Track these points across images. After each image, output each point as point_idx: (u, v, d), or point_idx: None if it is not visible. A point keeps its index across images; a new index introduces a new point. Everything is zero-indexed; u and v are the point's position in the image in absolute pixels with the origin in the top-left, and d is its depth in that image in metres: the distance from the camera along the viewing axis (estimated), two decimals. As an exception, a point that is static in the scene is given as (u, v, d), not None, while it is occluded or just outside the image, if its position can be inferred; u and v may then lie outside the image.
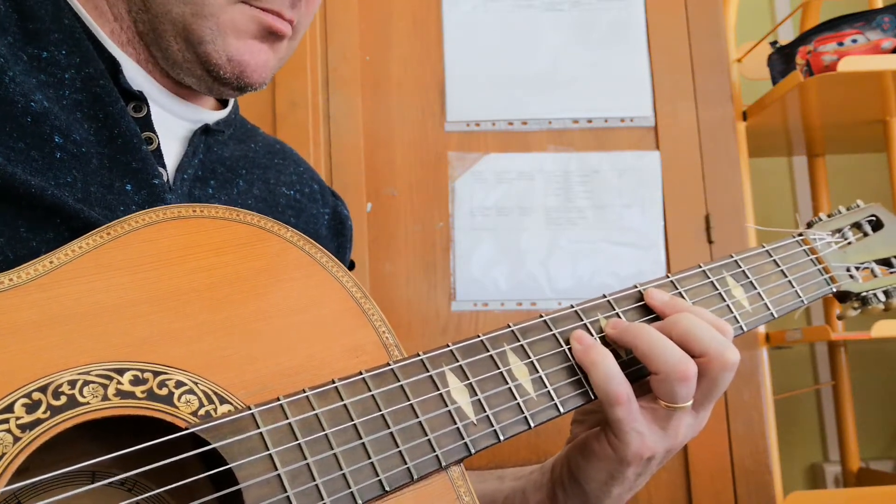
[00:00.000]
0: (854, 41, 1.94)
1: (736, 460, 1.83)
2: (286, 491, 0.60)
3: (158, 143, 0.85)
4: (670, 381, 0.76)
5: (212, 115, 0.94)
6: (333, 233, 1.07)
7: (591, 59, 2.02)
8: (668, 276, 0.88)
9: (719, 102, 1.99)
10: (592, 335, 0.80)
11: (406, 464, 0.65)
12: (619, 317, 0.83)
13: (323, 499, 0.61)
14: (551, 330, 0.79)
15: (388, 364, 0.70)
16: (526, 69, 2.01)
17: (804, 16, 2.18)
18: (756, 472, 1.83)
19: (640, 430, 0.77)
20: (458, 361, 0.73)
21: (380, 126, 1.98)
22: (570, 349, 0.78)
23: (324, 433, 0.63)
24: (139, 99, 0.84)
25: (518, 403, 0.73)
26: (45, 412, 0.56)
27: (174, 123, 0.89)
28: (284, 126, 1.93)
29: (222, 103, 1.00)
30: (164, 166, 0.84)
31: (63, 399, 0.57)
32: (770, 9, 2.83)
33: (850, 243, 1.04)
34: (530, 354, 0.77)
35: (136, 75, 0.86)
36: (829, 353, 2.39)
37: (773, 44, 2.10)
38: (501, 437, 0.71)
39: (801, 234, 1.01)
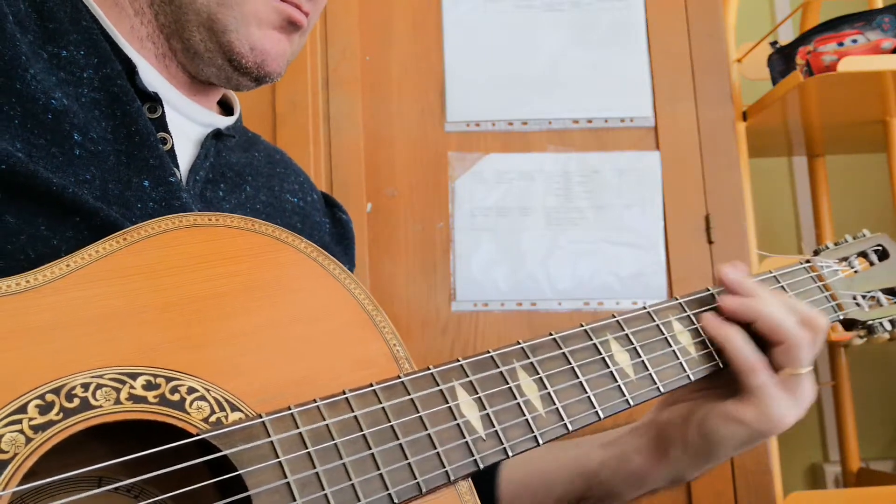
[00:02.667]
0: (854, 41, 1.94)
1: (736, 461, 1.83)
2: (295, 500, 0.60)
3: (172, 144, 0.85)
4: (798, 347, 0.84)
5: (222, 121, 0.95)
6: (337, 238, 1.08)
7: (591, 59, 2.01)
8: (676, 299, 0.90)
9: (719, 102, 1.98)
10: (602, 355, 0.82)
11: (416, 478, 0.65)
12: (628, 338, 0.84)
13: (332, 509, 0.61)
14: (561, 348, 0.79)
15: (399, 377, 0.70)
16: (526, 69, 2.01)
17: (804, 16, 2.18)
18: (756, 473, 1.83)
19: (777, 397, 0.83)
20: (468, 376, 0.73)
21: (380, 126, 1.98)
22: (579, 367, 0.79)
23: (333, 443, 0.63)
24: (154, 100, 0.85)
25: (527, 420, 0.74)
26: (57, 414, 0.56)
27: (187, 126, 0.90)
28: (284, 126, 1.93)
29: (226, 111, 1.01)
30: (177, 167, 0.85)
31: (76, 402, 0.57)
32: (770, 9, 2.83)
33: (856, 272, 1.05)
34: (539, 371, 0.77)
35: (152, 77, 0.87)
36: (829, 354, 2.39)
37: (773, 44, 2.10)
38: (510, 454, 0.71)
39: (808, 262, 1.02)
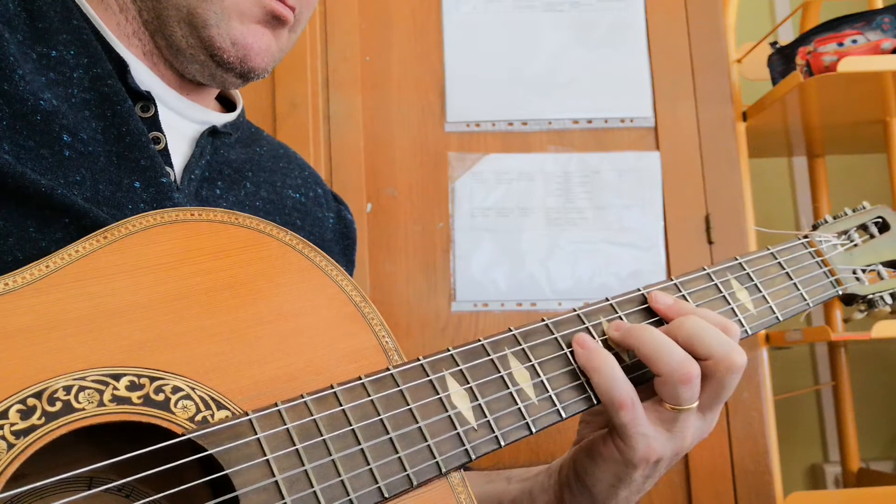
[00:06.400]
0: (854, 41, 1.93)
1: (736, 461, 1.83)
2: (283, 497, 0.59)
3: (166, 143, 0.85)
4: (673, 383, 0.75)
5: (219, 118, 0.95)
6: (339, 236, 1.07)
7: (591, 59, 2.01)
8: (672, 279, 0.87)
9: (719, 103, 1.98)
10: (595, 338, 0.79)
11: (406, 470, 0.65)
12: (621, 320, 0.82)
13: (321, 505, 0.60)
14: (553, 333, 0.78)
15: (388, 369, 0.69)
16: (526, 69, 2.01)
17: (804, 16, 2.17)
18: (756, 473, 1.83)
19: (645, 434, 0.76)
20: (458, 366, 0.72)
21: (380, 126, 1.97)
22: (572, 353, 0.78)
23: (322, 439, 0.63)
24: (147, 99, 0.85)
25: (519, 409, 0.73)
26: (39, 418, 0.55)
27: (181, 124, 0.90)
28: (284, 126, 1.93)
29: (227, 107, 1.00)
30: (171, 166, 0.85)
31: (58, 405, 0.56)
32: (770, 9, 2.83)
33: (856, 245, 1.03)
34: (531, 358, 0.76)
35: (144, 76, 0.86)
36: (829, 354, 2.39)
37: (774, 44, 2.10)
38: (502, 443, 0.71)
39: (806, 237, 1.00)
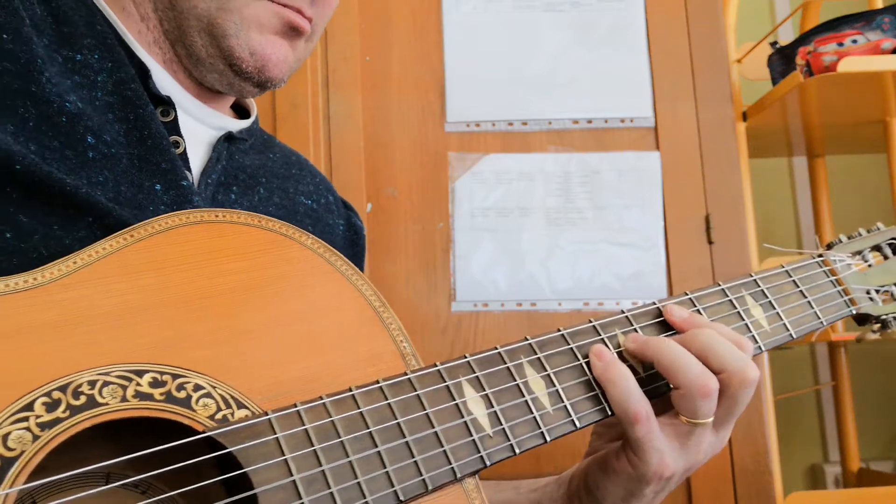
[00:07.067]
0: (854, 41, 1.94)
1: (736, 461, 1.83)
2: (301, 497, 0.60)
3: (185, 148, 0.86)
4: (692, 396, 0.76)
5: (235, 124, 0.96)
6: (348, 243, 1.08)
7: (591, 59, 2.01)
8: (687, 294, 0.88)
9: (719, 103, 1.98)
10: (610, 350, 0.80)
11: (421, 475, 0.65)
12: (637, 332, 0.82)
13: (338, 507, 0.61)
14: (569, 344, 0.79)
15: (405, 373, 0.70)
16: (526, 69, 2.01)
17: (804, 16, 2.18)
18: (756, 473, 1.83)
19: (659, 448, 0.76)
20: (474, 372, 0.73)
21: (380, 126, 1.97)
22: (587, 363, 0.78)
23: (340, 440, 0.63)
24: (167, 104, 0.86)
25: (534, 417, 0.73)
26: (64, 411, 0.56)
27: (199, 129, 0.91)
28: (284, 126, 1.93)
29: (240, 114, 1.01)
30: (189, 170, 0.86)
31: (82, 399, 0.57)
32: (770, 9, 2.83)
33: (870, 266, 1.04)
34: (547, 368, 0.76)
35: (165, 81, 0.88)
36: (829, 354, 2.39)
37: (773, 44, 2.10)
38: (517, 451, 0.71)
39: (821, 256, 1.01)
